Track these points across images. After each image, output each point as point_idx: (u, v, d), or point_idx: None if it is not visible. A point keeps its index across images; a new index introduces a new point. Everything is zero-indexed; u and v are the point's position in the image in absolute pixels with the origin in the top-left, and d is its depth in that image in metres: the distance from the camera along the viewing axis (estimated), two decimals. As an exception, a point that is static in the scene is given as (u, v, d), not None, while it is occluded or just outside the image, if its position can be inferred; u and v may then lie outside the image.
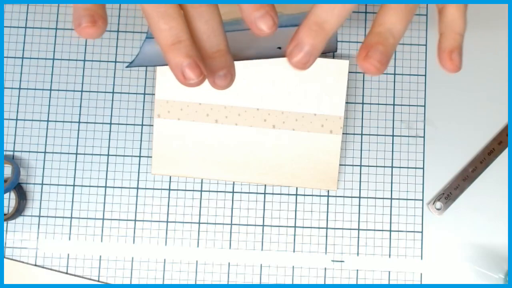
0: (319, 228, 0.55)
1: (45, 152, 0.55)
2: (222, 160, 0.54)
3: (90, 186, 0.55)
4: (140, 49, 0.48)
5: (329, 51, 0.54)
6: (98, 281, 0.54)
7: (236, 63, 0.53)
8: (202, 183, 0.55)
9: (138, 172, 0.55)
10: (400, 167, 0.56)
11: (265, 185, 0.55)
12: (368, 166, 0.55)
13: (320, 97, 0.53)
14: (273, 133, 0.54)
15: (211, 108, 0.54)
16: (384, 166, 0.55)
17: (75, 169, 0.55)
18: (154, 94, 0.56)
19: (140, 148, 0.56)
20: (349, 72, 0.55)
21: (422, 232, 0.55)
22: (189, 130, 0.54)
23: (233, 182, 0.55)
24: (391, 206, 0.55)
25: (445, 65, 0.38)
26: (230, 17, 0.53)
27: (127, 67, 0.48)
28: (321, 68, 0.53)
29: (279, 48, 0.48)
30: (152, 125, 0.56)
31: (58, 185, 0.55)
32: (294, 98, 0.54)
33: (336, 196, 0.55)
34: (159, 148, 0.54)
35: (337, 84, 0.53)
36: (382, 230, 0.55)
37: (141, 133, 0.56)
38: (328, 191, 0.55)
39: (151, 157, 0.55)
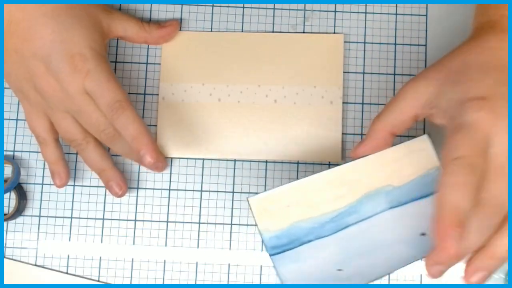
0: (319, 228, 0.55)
1: (45, 152, 0.55)
2: (226, 135, 0.55)
3: (90, 186, 0.55)
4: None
5: None
6: (98, 281, 0.54)
7: (238, 40, 0.53)
8: (202, 183, 0.55)
9: (138, 172, 0.55)
10: (400, 167, 0.56)
11: (265, 183, 0.55)
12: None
13: (318, 70, 0.56)
14: (274, 107, 0.55)
15: (214, 88, 0.55)
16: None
17: (75, 169, 0.55)
18: (155, 95, 0.56)
19: (140, 148, 0.56)
20: (347, 42, 0.57)
21: (422, 232, 0.55)
22: (193, 110, 0.55)
23: (233, 182, 0.55)
24: (391, 206, 0.55)
25: (466, 279, 0.40)
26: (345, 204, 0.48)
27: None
28: (317, 42, 0.55)
29: (423, 234, 0.47)
30: (154, 125, 0.56)
31: (58, 185, 0.55)
32: (293, 73, 0.56)
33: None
34: (163, 130, 0.55)
35: (334, 57, 0.56)
36: (382, 230, 0.55)
37: (141, 133, 0.56)
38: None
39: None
